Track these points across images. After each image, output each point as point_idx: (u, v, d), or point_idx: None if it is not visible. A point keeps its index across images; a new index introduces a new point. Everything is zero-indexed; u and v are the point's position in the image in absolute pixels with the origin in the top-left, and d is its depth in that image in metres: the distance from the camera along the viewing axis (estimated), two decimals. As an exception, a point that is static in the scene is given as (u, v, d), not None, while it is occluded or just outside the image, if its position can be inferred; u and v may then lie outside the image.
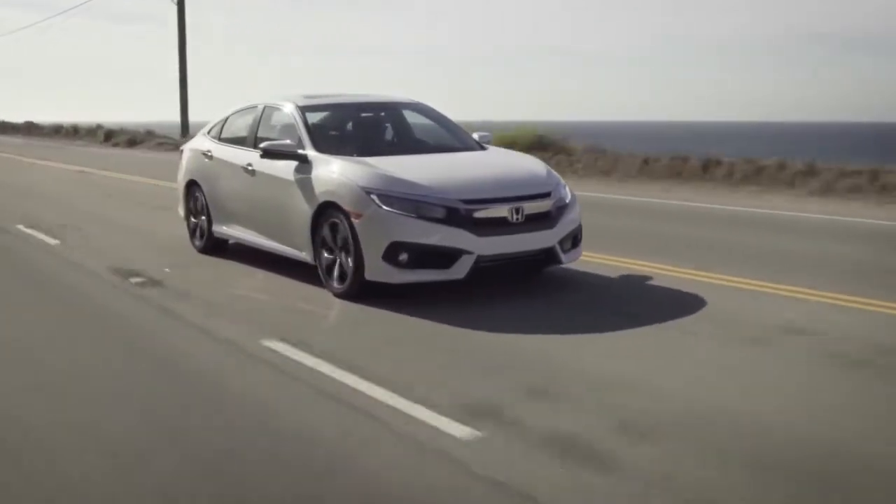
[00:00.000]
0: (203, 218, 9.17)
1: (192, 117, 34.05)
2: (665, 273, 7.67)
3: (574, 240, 7.34)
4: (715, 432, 4.13)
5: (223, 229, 8.87)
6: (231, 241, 9.01)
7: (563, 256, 7.12)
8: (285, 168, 7.63)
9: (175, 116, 35.38)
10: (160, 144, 32.58)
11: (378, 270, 6.70)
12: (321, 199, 7.12)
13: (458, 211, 6.67)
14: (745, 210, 12.37)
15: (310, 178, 7.32)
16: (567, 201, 7.30)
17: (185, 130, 33.56)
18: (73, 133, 43.70)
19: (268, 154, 7.74)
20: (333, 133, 8.20)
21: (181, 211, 9.73)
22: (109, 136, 37.83)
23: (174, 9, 34.98)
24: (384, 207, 6.68)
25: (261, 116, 8.53)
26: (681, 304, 6.61)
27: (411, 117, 8.85)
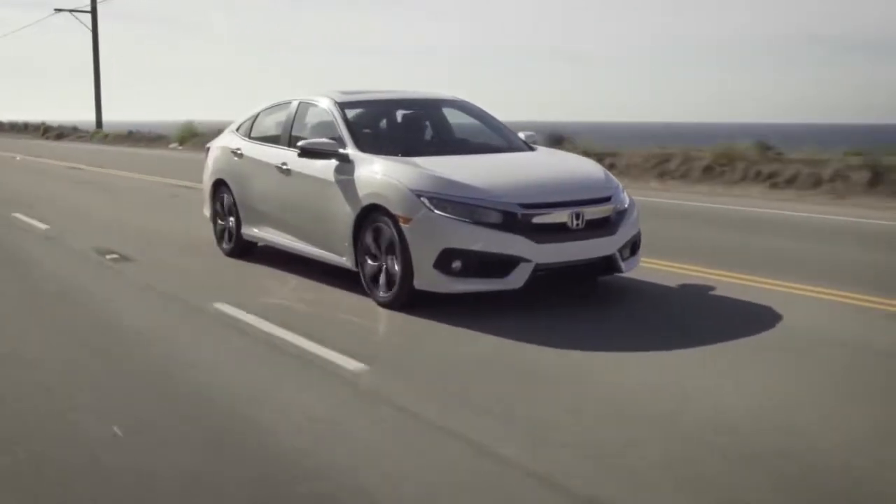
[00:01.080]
0: (231, 219, 8.71)
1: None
2: (731, 281, 7.20)
3: (633, 247, 6.88)
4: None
5: (253, 231, 8.41)
6: (260, 244, 8.56)
7: (622, 265, 6.66)
8: (324, 168, 7.17)
9: (121, 115, 39.58)
10: (80, 137, 42.62)
11: (429, 279, 6.24)
12: (365, 202, 6.66)
13: (516, 216, 6.21)
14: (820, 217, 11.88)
15: (352, 179, 6.86)
16: (626, 206, 6.84)
17: (99, 125, 44.70)
18: (23, 129, 51.73)
19: (306, 153, 7.27)
20: (373, 131, 7.74)
21: (207, 212, 9.27)
22: (46, 130, 46.97)
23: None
24: (436, 211, 6.21)
25: (295, 113, 8.07)
26: (751, 316, 6.14)
27: (452, 115, 8.39)
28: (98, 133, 41.50)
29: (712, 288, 7.08)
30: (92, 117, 45.95)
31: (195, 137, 30.72)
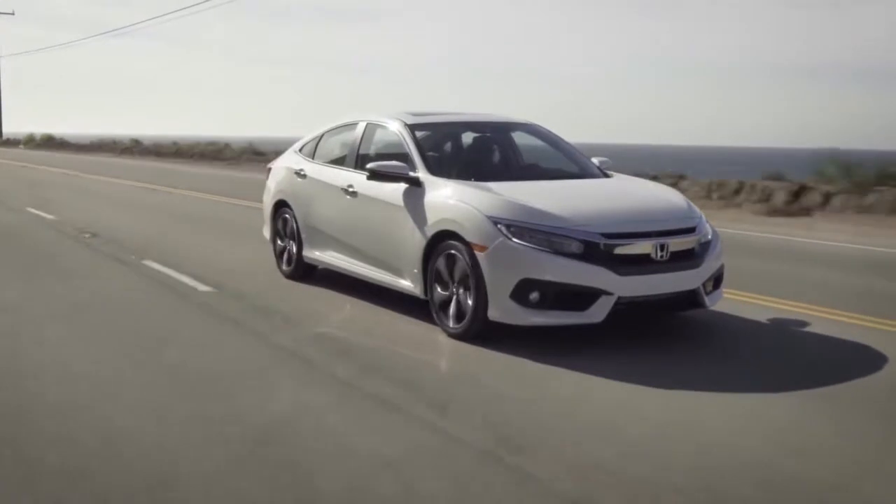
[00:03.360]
0: (292, 241, 8.51)
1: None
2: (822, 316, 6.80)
3: (717, 281, 6.53)
4: None
5: (315, 254, 8.19)
6: (320, 267, 8.34)
7: (706, 299, 6.31)
8: (393, 191, 6.93)
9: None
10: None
11: (504, 310, 5.94)
12: (437, 228, 6.39)
13: (598, 246, 5.89)
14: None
15: (423, 204, 6.61)
16: (710, 237, 6.49)
17: None
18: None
19: (375, 175, 7.03)
20: (443, 154, 7.50)
21: (267, 233, 9.09)
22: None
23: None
24: (514, 240, 5.92)
25: (362, 134, 7.85)
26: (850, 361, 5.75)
27: (521, 139, 8.12)
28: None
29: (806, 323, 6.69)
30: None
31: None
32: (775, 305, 7.37)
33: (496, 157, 7.74)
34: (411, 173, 6.86)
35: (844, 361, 5.77)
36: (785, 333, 6.60)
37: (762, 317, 6.97)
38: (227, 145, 37.18)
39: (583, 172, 7.52)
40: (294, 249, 8.47)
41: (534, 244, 5.90)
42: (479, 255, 6.01)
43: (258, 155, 32.50)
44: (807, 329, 6.62)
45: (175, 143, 41.36)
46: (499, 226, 5.99)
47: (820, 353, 6.03)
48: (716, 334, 6.51)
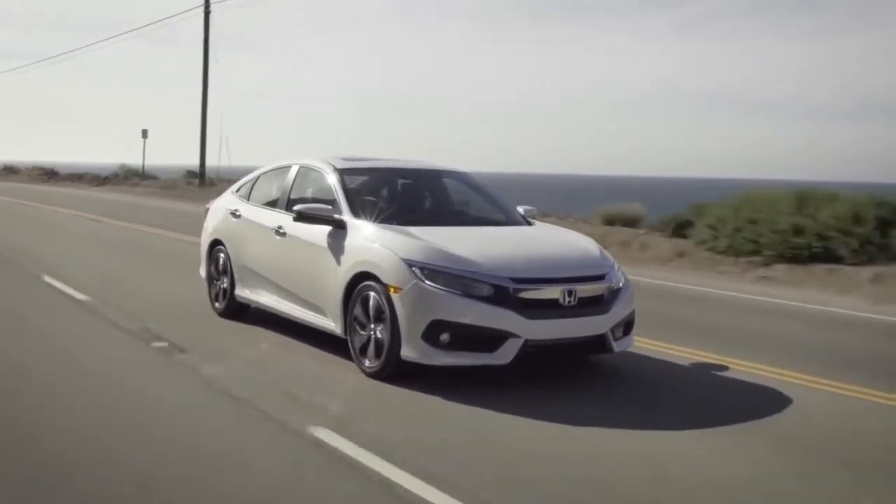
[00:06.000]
0: (226, 280, 8.67)
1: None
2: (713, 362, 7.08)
3: (627, 326, 6.79)
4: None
5: (246, 293, 8.36)
6: (252, 306, 8.50)
7: (614, 344, 6.56)
8: (319, 233, 7.15)
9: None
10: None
11: (416, 350, 6.15)
12: (357, 269, 6.61)
13: (508, 290, 6.14)
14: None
15: (345, 246, 6.84)
16: (621, 285, 6.77)
17: None
18: None
19: (302, 217, 7.25)
20: (371, 199, 7.73)
21: (202, 272, 9.24)
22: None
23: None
24: (427, 282, 6.16)
25: (295, 177, 8.08)
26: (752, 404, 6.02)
27: (452, 187, 8.39)
28: None
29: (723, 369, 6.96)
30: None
31: None
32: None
33: (423, 203, 7.99)
34: (336, 216, 7.08)
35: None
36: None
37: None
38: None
39: (507, 220, 7.79)
40: (227, 288, 8.63)
41: (446, 287, 6.13)
42: (394, 296, 6.23)
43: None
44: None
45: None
46: (413, 268, 6.22)
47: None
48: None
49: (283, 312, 7.77)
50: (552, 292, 6.27)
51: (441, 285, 6.14)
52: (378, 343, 6.41)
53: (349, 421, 5.33)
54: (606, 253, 7.11)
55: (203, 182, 36.15)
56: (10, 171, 54.01)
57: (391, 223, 6.94)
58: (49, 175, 49.08)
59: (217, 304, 8.83)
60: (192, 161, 38.05)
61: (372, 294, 6.44)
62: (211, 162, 36.84)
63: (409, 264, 6.25)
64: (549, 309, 6.23)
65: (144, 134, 41.17)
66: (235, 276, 8.47)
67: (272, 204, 8.23)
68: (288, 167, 8.30)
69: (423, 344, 6.11)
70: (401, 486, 4.25)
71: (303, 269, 7.38)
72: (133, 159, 40.50)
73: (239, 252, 8.44)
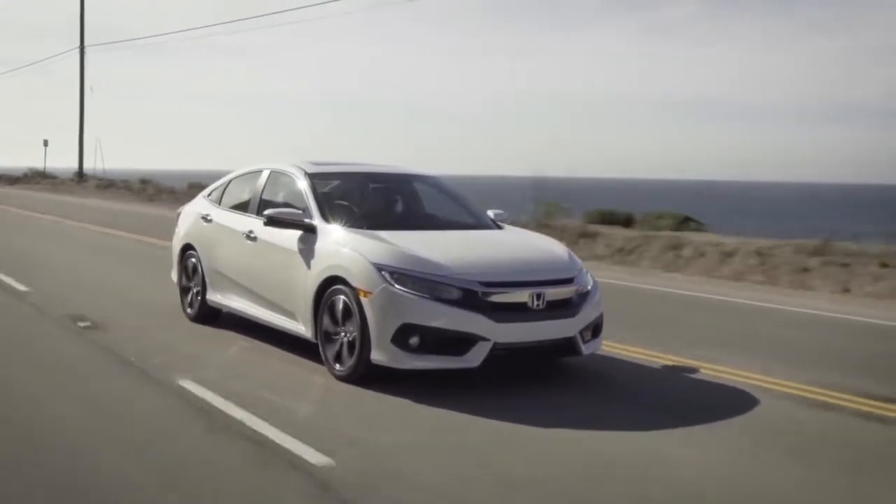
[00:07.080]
0: (197, 285, 8.65)
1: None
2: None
3: (595, 329, 6.86)
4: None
5: (217, 298, 8.34)
6: (224, 311, 8.48)
7: (583, 347, 6.63)
8: (289, 237, 7.17)
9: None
10: None
11: (386, 354, 6.18)
12: (327, 273, 6.63)
13: (476, 294, 6.19)
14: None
15: (316, 250, 6.86)
16: (589, 288, 6.84)
17: None
18: None
19: (272, 222, 7.27)
20: (342, 203, 7.75)
21: (174, 276, 9.21)
22: None
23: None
24: (396, 286, 6.19)
25: (266, 182, 8.09)
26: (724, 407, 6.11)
27: (423, 191, 8.42)
28: None
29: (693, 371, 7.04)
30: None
31: None
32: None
33: (393, 207, 8.04)
34: (306, 220, 7.10)
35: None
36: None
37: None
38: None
39: (476, 224, 7.84)
40: (199, 292, 8.61)
41: (415, 290, 6.17)
42: (364, 299, 6.26)
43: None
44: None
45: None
46: (382, 272, 6.26)
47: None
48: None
49: (254, 317, 7.77)
50: (521, 296, 6.32)
51: (410, 289, 6.18)
52: (349, 347, 6.44)
53: (319, 425, 5.35)
54: (575, 256, 7.18)
55: (81, 180, 44.25)
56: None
57: (361, 227, 6.97)
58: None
59: (188, 310, 8.79)
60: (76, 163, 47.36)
61: (342, 298, 6.47)
62: (89, 164, 47.04)
63: (379, 268, 6.28)
64: (517, 312, 6.29)
65: (45, 143, 49.44)
66: (206, 280, 8.45)
67: (243, 208, 8.24)
68: (259, 172, 8.30)
69: (392, 347, 6.14)
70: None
71: (273, 273, 7.39)
72: (38, 163, 49.19)
73: (210, 256, 8.43)
